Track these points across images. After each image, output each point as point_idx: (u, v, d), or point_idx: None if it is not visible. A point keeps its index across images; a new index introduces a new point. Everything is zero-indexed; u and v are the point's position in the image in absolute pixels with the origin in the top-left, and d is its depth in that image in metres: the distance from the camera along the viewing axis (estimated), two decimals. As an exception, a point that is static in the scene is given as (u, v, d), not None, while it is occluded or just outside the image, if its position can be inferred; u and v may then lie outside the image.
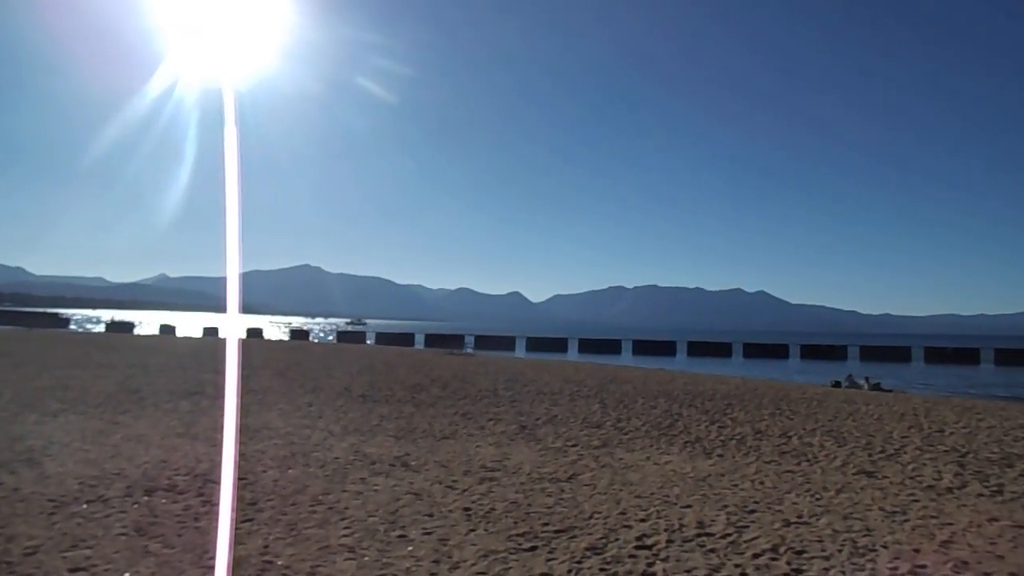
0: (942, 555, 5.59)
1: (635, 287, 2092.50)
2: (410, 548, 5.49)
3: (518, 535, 5.91)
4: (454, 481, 7.87)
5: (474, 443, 10.48)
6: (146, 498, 6.66)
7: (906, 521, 6.63)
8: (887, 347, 65.72)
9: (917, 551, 5.68)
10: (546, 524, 6.24)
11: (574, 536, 5.90)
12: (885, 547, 5.76)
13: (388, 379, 20.98)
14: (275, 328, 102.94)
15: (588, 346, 65.17)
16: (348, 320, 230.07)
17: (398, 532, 5.89)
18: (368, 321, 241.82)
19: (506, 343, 68.07)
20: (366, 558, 5.24)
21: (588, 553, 5.48)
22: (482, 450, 9.92)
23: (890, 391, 24.92)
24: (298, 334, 76.63)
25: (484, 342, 68.71)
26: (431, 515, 6.43)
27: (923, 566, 5.30)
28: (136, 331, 71.74)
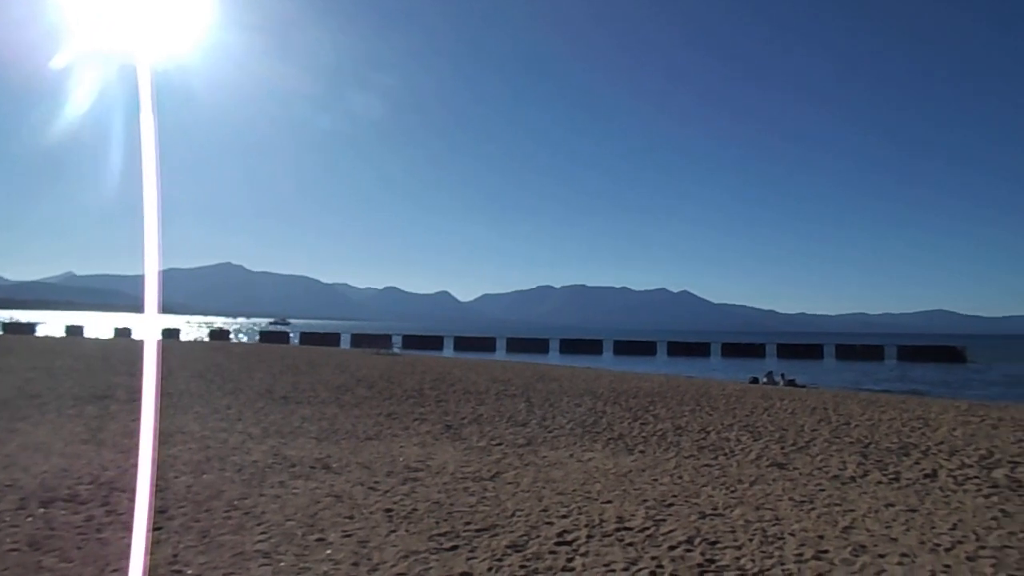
0: (843, 540, 5.89)
1: (563, 287, 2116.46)
2: (328, 551, 5.38)
3: (440, 535, 5.88)
4: (376, 482, 7.76)
5: (398, 443, 10.37)
6: (42, 510, 6.26)
7: (812, 509, 6.96)
8: (802, 345, 68.76)
9: (821, 537, 5.97)
10: (468, 523, 6.23)
11: (496, 534, 5.91)
12: (792, 535, 6.02)
13: (312, 380, 20.50)
14: (194, 329, 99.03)
15: (516, 345, 65.57)
16: (271, 320, 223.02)
17: (316, 535, 5.76)
18: (292, 321, 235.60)
19: (434, 343, 67.72)
20: (282, 563, 5.10)
21: (509, 551, 5.50)
22: (406, 450, 9.83)
23: (804, 387, 26.07)
24: (218, 334, 73.92)
25: (412, 342, 68.12)
26: (351, 517, 6.31)
27: (825, 551, 5.58)
28: (38, 332, 67.57)
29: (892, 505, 7.24)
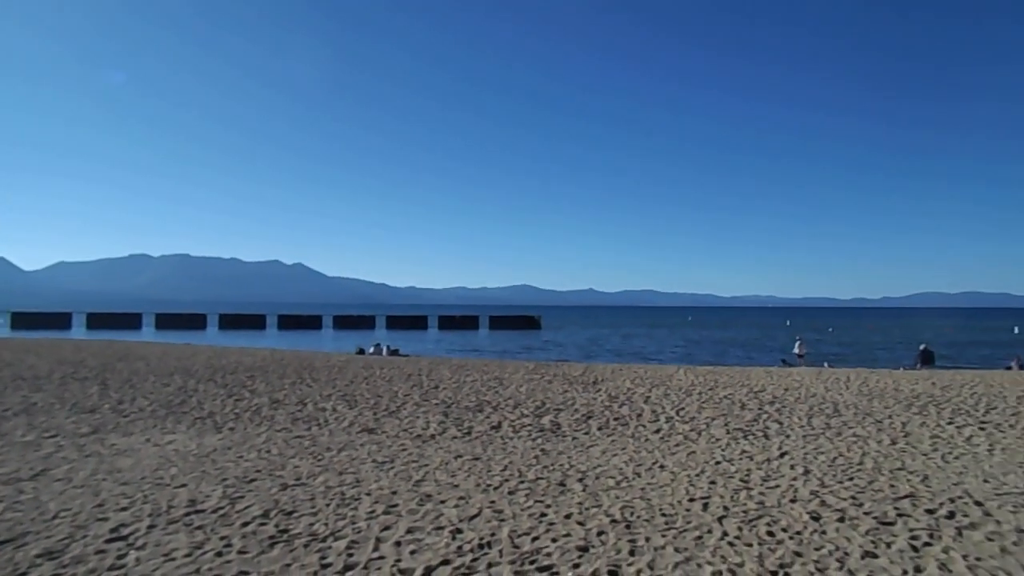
0: (414, 492, 6.38)
1: (163, 256, 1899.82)
2: None
3: (-62, 559, 4.67)
4: None
5: None
6: None
7: (392, 469, 7.39)
8: (409, 316, 73.55)
9: (395, 493, 6.36)
10: (-16, 538, 5.08)
11: (23, 544, 4.92)
12: (369, 494, 6.30)
13: None
14: None
15: (99, 321, 57.10)
16: None
17: None
18: None
19: (-18, 321, 54.86)
20: None
21: (40, 560, 4.63)
22: (-92, 457, 7.64)
23: (406, 356, 27.80)
24: None
25: (-53, 320, 53.98)
26: None
27: (395, 505, 5.96)
28: None
29: (461, 456, 8.11)
